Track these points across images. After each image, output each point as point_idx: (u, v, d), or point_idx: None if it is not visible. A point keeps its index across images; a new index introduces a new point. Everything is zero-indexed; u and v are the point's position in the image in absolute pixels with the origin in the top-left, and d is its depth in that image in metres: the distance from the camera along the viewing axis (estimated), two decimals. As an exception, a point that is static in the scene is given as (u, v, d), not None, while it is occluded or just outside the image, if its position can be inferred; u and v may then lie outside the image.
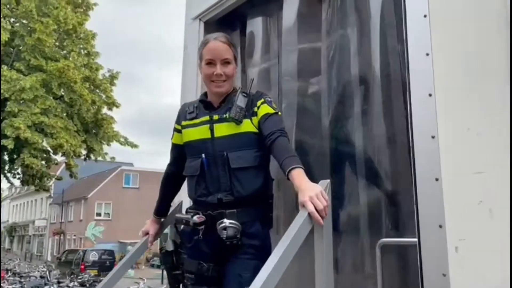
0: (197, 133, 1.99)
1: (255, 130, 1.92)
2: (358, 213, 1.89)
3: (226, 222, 1.84)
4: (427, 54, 1.52)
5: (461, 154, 1.42)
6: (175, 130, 2.14)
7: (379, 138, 1.92)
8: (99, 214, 38.45)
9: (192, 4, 2.92)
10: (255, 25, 2.65)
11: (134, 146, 17.71)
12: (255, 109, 1.94)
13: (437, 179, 1.42)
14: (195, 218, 1.90)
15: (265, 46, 2.55)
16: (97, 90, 17.38)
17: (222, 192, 1.91)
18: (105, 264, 21.79)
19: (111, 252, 23.80)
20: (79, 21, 16.97)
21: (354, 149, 1.96)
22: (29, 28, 15.62)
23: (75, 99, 15.89)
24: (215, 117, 1.95)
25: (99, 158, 17.50)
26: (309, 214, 1.53)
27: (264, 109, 1.92)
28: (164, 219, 2.31)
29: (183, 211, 2.40)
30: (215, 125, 1.94)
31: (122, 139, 17.52)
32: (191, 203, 2.11)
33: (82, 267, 20.71)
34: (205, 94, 2.10)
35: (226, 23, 2.74)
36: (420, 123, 1.50)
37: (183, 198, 2.43)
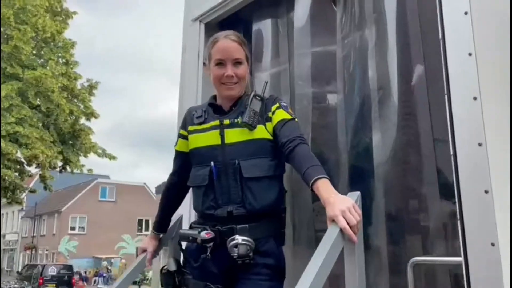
0: (205, 139, 1.80)
1: (269, 136, 1.75)
2: (383, 229, 1.73)
3: (238, 238, 1.65)
4: (470, 54, 1.38)
5: (515, 163, 1.28)
6: (180, 136, 1.95)
7: (403, 148, 1.77)
8: (73, 228, 37.35)
9: (191, 5, 2.75)
10: (262, 27, 2.49)
11: (112, 158, 17.29)
12: (270, 114, 1.77)
13: (486, 192, 1.27)
14: (203, 234, 1.70)
15: (274, 50, 2.39)
16: (75, 100, 16.98)
17: (232, 205, 1.72)
18: (63, 279, 22.57)
19: (69, 267, 24.40)
20: (58, 29, 16.63)
21: (376, 160, 1.80)
22: (6, 36, 15.17)
23: (52, 108, 15.47)
24: (226, 121, 1.78)
25: (76, 170, 16.99)
26: (341, 230, 1.36)
27: (280, 115, 1.76)
28: (163, 235, 2.09)
29: (183, 226, 2.21)
30: (226, 131, 1.76)
31: (100, 151, 17.10)
32: (195, 217, 1.92)
33: (41, 281, 21.42)
34: (214, 97, 1.92)
35: (229, 25, 2.57)
36: (465, 129, 1.35)
37: (182, 211, 2.23)
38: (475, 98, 1.35)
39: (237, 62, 1.80)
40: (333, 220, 1.39)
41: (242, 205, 1.71)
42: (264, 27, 2.49)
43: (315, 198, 1.99)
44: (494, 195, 1.26)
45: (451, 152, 1.38)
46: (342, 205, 1.38)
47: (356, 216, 1.37)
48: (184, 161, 1.92)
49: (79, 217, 37.29)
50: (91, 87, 17.51)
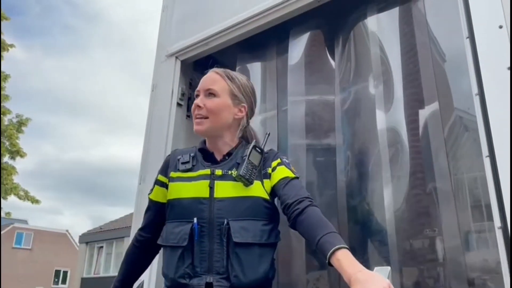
0: (191, 189, 1.48)
1: (266, 196, 1.47)
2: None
3: None
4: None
5: None
6: (157, 182, 1.61)
7: (418, 207, 1.56)
8: (-23, 278, 33.37)
9: (167, 40, 2.50)
10: (247, 70, 2.28)
11: (35, 201, 15.84)
12: (269, 170, 1.50)
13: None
14: None
15: (260, 96, 2.17)
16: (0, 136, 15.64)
17: (213, 275, 1.39)
18: None
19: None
20: (-10, 61, 15.55)
21: (384, 222, 1.57)
22: None
23: (-28, 144, 14.10)
24: (218, 172, 1.48)
25: (-9, 213, 15.33)
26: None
27: (281, 172, 1.49)
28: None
29: (144, 295, 1.82)
30: (217, 183, 1.46)
31: (22, 193, 15.63)
32: (160, 284, 1.56)
33: None
34: (205, 141, 1.63)
35: (210, 64, 2.35)
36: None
37: (142, 276, 1.84)
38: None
39: (210, 93, 1.54)
40: None
41: (225, 277, 1.38)
42: (249, 70, 2.29)
43: (311, 267, 1.73)
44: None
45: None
46: (376, 285, 1.11)
47: None
48: (159, 214, 1.58)
49: (-14, 265, 33.51)
50: (20, 124, 16.27)
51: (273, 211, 1.48)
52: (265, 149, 1.57)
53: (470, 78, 1.35)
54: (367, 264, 1.38)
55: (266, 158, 1.54)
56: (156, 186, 1.61)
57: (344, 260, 1.19)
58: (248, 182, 1.44)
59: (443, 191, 1.51)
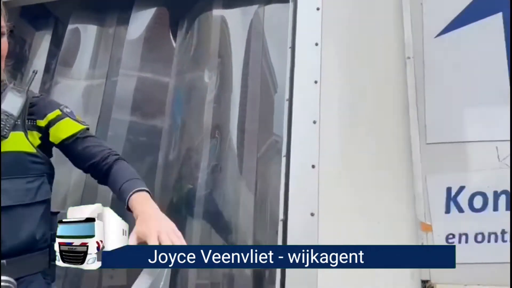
0: None
1: (30, 149, 1.28)
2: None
3: None
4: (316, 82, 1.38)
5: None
6: None
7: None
8: None
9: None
10: (78, 31, 2.08)
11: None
12: (40, 122, 1.31)
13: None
14: None
15: (90, 60, 2.01)
16: None
17: None
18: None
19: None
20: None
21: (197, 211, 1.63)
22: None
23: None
24: None
25: None
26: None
27: (68, 127, 1.32)
28: None
29: None
30: None
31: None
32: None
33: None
34: None
35: (38, 15, 2.11)
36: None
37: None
38: (314, 122, 1.34)
39: None
40: (140, 238, 1.06)
41: None
42: (81, 31, 2.09)
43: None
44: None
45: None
46: (160, 225, 1.06)
47: (181, 239, 1.06)
48: None
49: None
50: None
51: (43, 165, 1.31)
52: (35, 93, 1.36)
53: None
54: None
55: (35, 104, 1.32)
56: None
57: (138, 199, 1.14)
58: (1, 136, 1.22)
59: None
